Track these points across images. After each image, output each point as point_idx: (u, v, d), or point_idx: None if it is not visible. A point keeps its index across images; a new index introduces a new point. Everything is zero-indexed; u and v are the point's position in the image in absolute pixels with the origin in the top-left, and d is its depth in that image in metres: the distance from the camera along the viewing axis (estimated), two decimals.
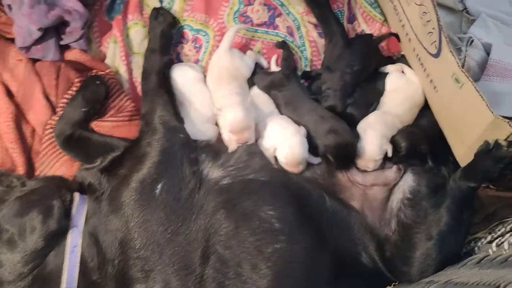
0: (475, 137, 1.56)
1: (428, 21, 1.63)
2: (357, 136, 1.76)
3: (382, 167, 1.79)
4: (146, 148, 1.68)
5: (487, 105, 1.46)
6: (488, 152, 1.56)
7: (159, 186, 1.60)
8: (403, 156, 1.76)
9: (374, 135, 1.76)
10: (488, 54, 1.81)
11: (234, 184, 1.66)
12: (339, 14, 2.05)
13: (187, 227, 1.57)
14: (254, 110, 1.78)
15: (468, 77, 1.48)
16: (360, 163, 1.76)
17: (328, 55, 1.98)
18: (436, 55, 1.61)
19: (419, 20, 1.69)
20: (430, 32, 1.62)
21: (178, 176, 1.63)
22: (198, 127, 1.79)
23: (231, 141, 1.73)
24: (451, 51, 1.53)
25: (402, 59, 1.97)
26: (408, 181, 1.75)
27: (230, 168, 1.70)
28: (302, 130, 1.76)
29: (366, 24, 2.06)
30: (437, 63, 1.63)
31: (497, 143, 1.53)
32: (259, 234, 1.57)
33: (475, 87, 1.48)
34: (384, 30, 2.03)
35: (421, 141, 1.77)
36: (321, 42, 2.02)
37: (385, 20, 2.04)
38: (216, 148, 1.76)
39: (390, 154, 1.76)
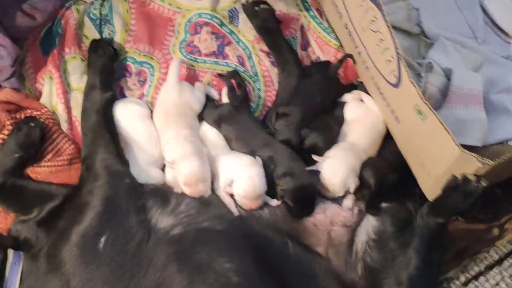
0: (441, 170, 1.48)
1: (385, 49, 1.53)
2: (316, 173, 1.65)
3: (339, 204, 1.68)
4: (87, 196, 1.54)
5: (452, 139, 1.37)
6: (456, 187, 1.47)
7: (103, 239, 1.46)
8: (372, 193, 1.65)
9: (339, 164, 1.65)
10: (448, 79, 1.73)
11: (186, 234, 1.52)
12: (292, 41, 1.94)
13: (136, 284, 1.43)
14: (206, 158, 1.64)
15: (431, 109, 1.39)
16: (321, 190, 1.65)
17: (282, 85, 1.88)
18: (396, 85, 1.52)
19: (376, 47, 1.59)
20: (388, 60, 1.53)
21: (124, 227, 1.50)
22: (144, 169, 1.66)
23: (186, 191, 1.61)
24: (411, 81, 1.43)
25: (361, 86, 1.87)
26: (371, 220, 1.65)
27: (181, 215, 1.56)
28: (259, 160, 1.63)
29: (321, 50, 1.96)
30: (398, 93, 1.54)
31: (465, 178, 1.45)
32: None
33: (439, 120, 1.38)
34: (340, 56, 1.93)
35: (388, 172, 1.67)
36: (275, 71, 1.91)
37: (341, 45, 1.95)
38: (164, 192, 1.62)
39: (352, 190, 1.65)
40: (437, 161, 1.48)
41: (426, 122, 1.43)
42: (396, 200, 1.68)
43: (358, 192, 1.67)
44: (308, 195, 1.61)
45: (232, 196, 1.60)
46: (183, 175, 1.57)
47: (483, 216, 1.75)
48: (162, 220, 1.54)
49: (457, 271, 1.69)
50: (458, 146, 1.35)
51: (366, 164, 1.68)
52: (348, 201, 1.66)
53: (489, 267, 1.68)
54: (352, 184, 1.65)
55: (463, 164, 1.40)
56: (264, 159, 1.64)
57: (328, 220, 1.63)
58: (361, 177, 1.66)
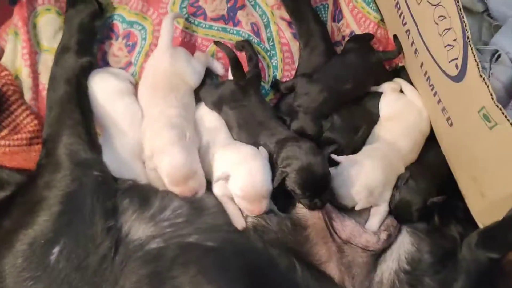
0: (505, 194, 1.18)
1: (447, 30, 1.19)
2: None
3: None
4: (44, 190, 1.25)
5: None
6: None
7: (56, 249, 1.17)
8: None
9: (370, 167, 1.35)
10: None
11: (167, 250, 1.21)
12: (322, 9, 1.63)
13: None
14: (194, 146, 1.32)
15: (506, 116, 1.06)
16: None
17: (303, 63, 1.54)
18: (457, 79, 1.19)
19: (434, 26, 1.25)
20: (449, 45, 1.19)
21: (85, 235, 1.20)
22: (123, 160, 1.35)
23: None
24: (482, 77, 1.09)
25: (403, 72, 1.54)
26: (405, 243, 1.35)
27: (164, 224, 1.25)
28: (263, 151, 1.33)
29: (357, 23, 1.62)
30: (457, 90, 1.21)
31: None
32: None
33: None
34: (380, 33, 1.59)
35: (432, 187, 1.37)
36: (297, 45, 1.58)
37: (382, 20, 1.60)
38: (145, 191, 1.31)
39: (382, 209, 1.36)
40: (500, 180, 1.18)
41: (494, 132, 1.12)
42: (436, 221, 1.39)
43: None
44: (317, 176, 1.28)
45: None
46: (165, 173, 1.27)
47: None
48: (138, 228, 1.24)
49: None
50: None
51: (408, 177, 1.36)
52: (375, 222, 1.36)
53: None
54: (383, 200, 1.34)
55: None
56: (270, 151, 1.34)
57: (345, 235, 1.34)
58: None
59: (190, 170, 1.27)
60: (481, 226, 1.31)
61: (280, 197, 1.32)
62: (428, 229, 1.36)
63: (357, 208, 1.35)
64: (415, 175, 1.36)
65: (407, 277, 1.29)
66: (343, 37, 1.60)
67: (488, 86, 1.08)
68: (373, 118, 1.47)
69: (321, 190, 1.30)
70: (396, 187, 1.36)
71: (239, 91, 1.42)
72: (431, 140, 1.45)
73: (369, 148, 1.41)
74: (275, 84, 1.54)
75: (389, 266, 1.32)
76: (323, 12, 1.62)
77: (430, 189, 1.36)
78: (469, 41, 1.12)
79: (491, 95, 1.08)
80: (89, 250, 1.18)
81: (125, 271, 1.18)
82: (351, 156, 1.39)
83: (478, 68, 1.10)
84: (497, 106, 1.08)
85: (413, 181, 1.35)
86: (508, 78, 1.40)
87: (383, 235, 1.34)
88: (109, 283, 1.16)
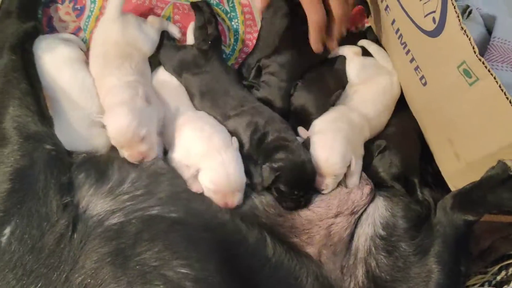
0: (484, 153, 1.11)
1: None
2: (307, 145, 1.25)
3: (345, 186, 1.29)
4: None
5: None
6: (506, 179, 1.10)
7: (7, 230, 1.06)
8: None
9: (334, 139, 1.24)
10: (488, 30, 1.33)
11: (129, 225, 1.11)
12: None
13: None
14: (151, 109, 1.21)
15: (489, 70, 1.00)
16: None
17: (266, 25, 1.43)
18: (434, 33, 1.11)
19: None
20: None
21: (39, 213, 1.09)
22: (78, 132, 1.24)
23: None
24: (464, 29, 1.03)
25: (370, 32, 1.47)
26: (379, 208, 1.28)
27: (124, 198, 1.15)
28: (235, 143, 1.23)
29: None
30: (433, 45, 1.13)
31: None
32: None
33: (499, 86, 0.99)
34: None
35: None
36: (259, 6, 1.45)
37: None
38: (101, 163, 1.20)
39: (353, 166, 1.25)
40: (478, 140, 1.12)
41: (474, 87, 1.05)
42: (409, 184, 1.32)
43: None
44: (307, 175, 1.21)
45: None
46: (109, 134, 1.18)
47: None
48: (96, 203, 1.14)
49: (481, 280, 1.34)
50: None
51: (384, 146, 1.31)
52: (353, 178, 1.28)
53: None
54: (353, 159, 1.26)
55: None
56: (236, 131, 1.25)
57: (333, 213, 1.25)
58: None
59: (134, 134, 1.16)
60: (453, 189, 1.26)
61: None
62: (401, 193, 1.29)
63: (338, 173, 1.25)
64: (391, 144, 1.31)
65: (383, 243, 1.23)
66: None
67: (470, 39, 1.02)
68: (342, 80, 1.40)
69: (309, 189, 1.23)
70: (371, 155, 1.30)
71: (201, 56, 1.32)
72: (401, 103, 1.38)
73: (334, 109, 1.33)
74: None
75: (365, 231, 1.26)
76: None
77: (406, 157, 1.30)
78: None
79: (473, 48, 1.01)
80: (44, 229, 1.07)
81: (85, 250, 1.07)
82: (313, 125, 1.31)
83: (459, 20, 1.03)
84: (480, 60, 1.01)
85: (389, 151, 1.30)
86: (478, 35, 1.32)
87: (366, 189, 1.27)
88: (67, 264, 1.05)
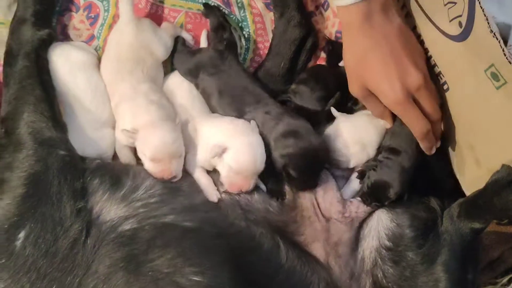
0: (508, 158, 1.11)
1: None
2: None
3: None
4: (5, 172, 1.13)
5: None
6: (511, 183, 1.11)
7: (22, 234, 1.07)
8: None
9: (365, 121, 1.33)
10: (503, 39, 1.31)
11: (142, 231, 1.13)
12: None
13: None
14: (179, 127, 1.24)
15: None
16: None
17: (278, 35, 1.44)
18: (460, 37, 1.12)
19: None
20: (450, 3, 1.12)
21: (53, 218, 1.10)
22: (89, 136, 1.26)
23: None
24: (493, 32, 1.02)
25: None
26: (383, 220, 1.28)
27: (137, 204, 1.16)
28: (255, 126, 1.26)
29: None
30: (459, 49, 1.13)
31: None
32: None
33: None
34: None
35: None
36: (270, 16, 1.47)
37: None
38: (116, 170, 1.22)
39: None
40: (504, 145, 1.12)
41: (501, 90, 1.05)
42: (416, 192, 1.31)
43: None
44: (317, 160, 1.24)
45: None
46: (151, 147, 1.18)
47: None
48: (109, 209, 1.15)
49: None
50: None
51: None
52: (354, 185, 1.32)
53: None
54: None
55: None
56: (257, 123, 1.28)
57: (328, 201, 1.29)
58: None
59: (177, 150, 1.19)
60: None
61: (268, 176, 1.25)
62: (405, 203, 1.29)
63: (351, 165, 1.29)
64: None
65: (389, 254, 1.24)
66: (316, 7, 1.51)
67: (499, 41, 1.01)
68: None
69: (319, 172, 1.25)
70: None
71: (218, 57, 1.34)
72: None
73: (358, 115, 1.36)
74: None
75: (369, 243, 1.27)
76: None
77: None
78: None
79: (503, 50, 1.01)
80: (57, 234, 1.08)
81: (98, 255, 1.08)
82: (346, 114, 1.35)
83: (488, 23, 1.03)
84: (510, 63, 1.00)
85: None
86: None
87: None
88: (81, 268, 1.07)
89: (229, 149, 1.18)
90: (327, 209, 1.28)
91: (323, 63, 1.48)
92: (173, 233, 1.13)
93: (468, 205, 1.22)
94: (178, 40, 1.39)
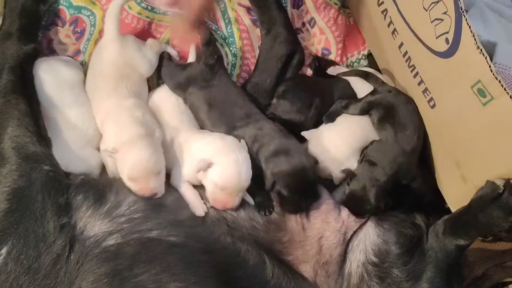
0: (495, 174, 1.14)
1: (434, 3, 1.15)
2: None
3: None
4: None
5: None
6: (494, 198, 1.13)
7: (4, 250, 1.07)
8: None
9: (344, 129, 1.36)
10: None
11: (127, 246, 1.13)
12: None
13: None
14: (160, 143, 1.24)
15: (506, 89, 1.02)
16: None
17: (265, 51, 1.47)
18: (446, 54, 1.14)
19: (418, 1, 1.20)
20: (437, 19, 1.14)
21: (36, 233, 1.10)
22: (73, 152, 1.25)
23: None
24: (480, 48, 1.04)
25: (370, 57, 1.53)
26: (371, 235, 1.30)
27: (121, 220, 1.16)
28: (244, 144, 1.25)
29: (317, 10, 1.55)
30: (445, 66, 1.16)
31: (510, 185, 1.11)
32: None
33: None
34: (341, 19, 1.53)
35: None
36: (257, 32, 1.49)
37: (343, 6, 1.54)
38: (99, 186, 1.21)
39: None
40: (491, 161, 1.14)
41: (488, 107, 1.07)
42: (402, 209, 1.34)
43: None
44: (308, 180, 1.24)
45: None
46: (127, 167, 1.17)
47: (506, 233, 1.36)
48: (94, 225, 1.15)
49: None
50: None
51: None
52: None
53: None
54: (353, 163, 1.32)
55: None
56: (247, 139, 1.29)
57: (321, 219, 1.29)
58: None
59: (154, 167, 1.18)
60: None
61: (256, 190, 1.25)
62: (392, 219, 1.31)
63: (336, 181, 1.32)
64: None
65: (375, 270, 1.25)
66: (303, 24, 1.53)
67: (486, 58, 1.03)
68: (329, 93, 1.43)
69: (309, 193, 1.26)
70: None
71: (208, 71, 1.36)
72: None
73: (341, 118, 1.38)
74: None
75: (356, 257, 1.28)
76: None
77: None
78: (463, 12, 1.07)
79: (490, 66, 1.03)
80: (40, 250, 1.08)
81: (81, 271, 1.08)
82: (313, 130, 1.36)
83: (475, 39, 1.05)
84: (496, 78, 1.02)
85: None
86: None
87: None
88: (64, 285, 1.06)
89: (215, 164, 1.18)
90: (320, 228, 1.28)
91: None
92: (158, 248, 1.12)
93: (453, 221, 1.24)
94: (164, 56, 1.40)
